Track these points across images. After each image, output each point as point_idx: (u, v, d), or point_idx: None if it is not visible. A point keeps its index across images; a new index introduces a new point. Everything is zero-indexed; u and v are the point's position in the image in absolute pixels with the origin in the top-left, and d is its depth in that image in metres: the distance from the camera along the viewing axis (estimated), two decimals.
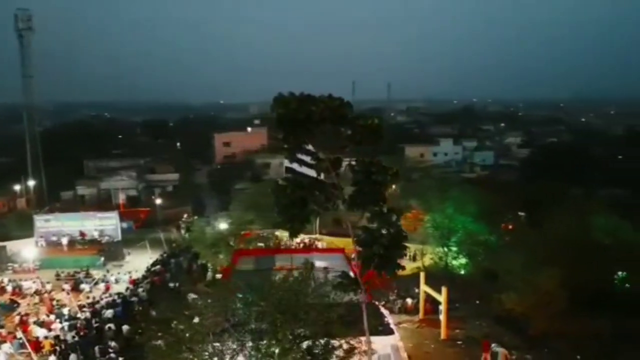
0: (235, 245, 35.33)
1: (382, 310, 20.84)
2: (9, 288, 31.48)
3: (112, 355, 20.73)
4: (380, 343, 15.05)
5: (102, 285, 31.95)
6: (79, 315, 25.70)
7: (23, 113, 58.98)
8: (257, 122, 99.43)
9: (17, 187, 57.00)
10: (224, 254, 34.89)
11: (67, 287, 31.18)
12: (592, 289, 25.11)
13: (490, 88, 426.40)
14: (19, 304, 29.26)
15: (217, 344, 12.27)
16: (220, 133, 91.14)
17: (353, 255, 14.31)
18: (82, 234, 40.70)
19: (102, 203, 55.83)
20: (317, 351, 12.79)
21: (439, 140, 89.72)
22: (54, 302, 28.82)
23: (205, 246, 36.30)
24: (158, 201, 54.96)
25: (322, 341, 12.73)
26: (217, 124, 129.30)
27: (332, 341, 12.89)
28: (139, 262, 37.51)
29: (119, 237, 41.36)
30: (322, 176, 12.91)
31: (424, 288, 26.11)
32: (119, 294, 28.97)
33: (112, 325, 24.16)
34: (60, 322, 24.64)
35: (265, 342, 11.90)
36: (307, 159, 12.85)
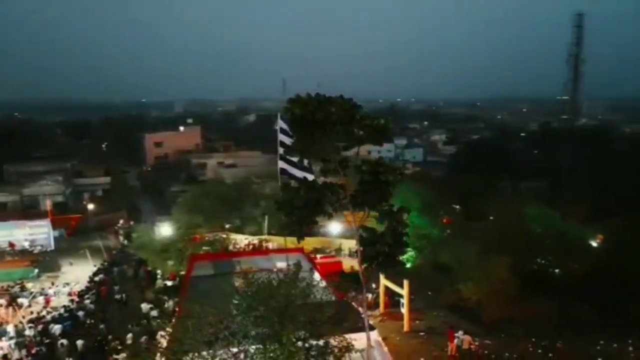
0: (185, 250, 34.05)
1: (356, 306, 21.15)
2: None
3: None
4: (364, 339, 15.35)
5: (41, 299, 29.94)
6: (26, 332, 23.86)
7: None
8: (190, 120, 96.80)
9: None
10: (174, 259, 33.66)
11: (2, 301, 28.82)
12: (536, 274, 27.28)
13: (413, 88, 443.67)
14: None
15: (221, 351, 11.95)
16: (148, 132, 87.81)
17: (348, 253, 14.51)
18: (11, 244, 37.75)
19: (27, 210, 51.67)
20: (314, 352, 12.86)
21: None
22: None
23: (152, 252, 34.80)
24: (90, 207, 51.97)
25: (320, 342, 12.80)
26: (143, 123, 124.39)
27: (330, 341, 12.99)
28: (78, 272, 35.43)
29: (52, 247, 38.81)
30: (322, 178, 13.03)
31: (384, 282, 26.88)
32: (65, 307, 27.32)
33: (64, 342, 22.86)
34: (7, 340, 22.78)
35: (269, 347, 11.78)
36: (305, 161, 12.89)
